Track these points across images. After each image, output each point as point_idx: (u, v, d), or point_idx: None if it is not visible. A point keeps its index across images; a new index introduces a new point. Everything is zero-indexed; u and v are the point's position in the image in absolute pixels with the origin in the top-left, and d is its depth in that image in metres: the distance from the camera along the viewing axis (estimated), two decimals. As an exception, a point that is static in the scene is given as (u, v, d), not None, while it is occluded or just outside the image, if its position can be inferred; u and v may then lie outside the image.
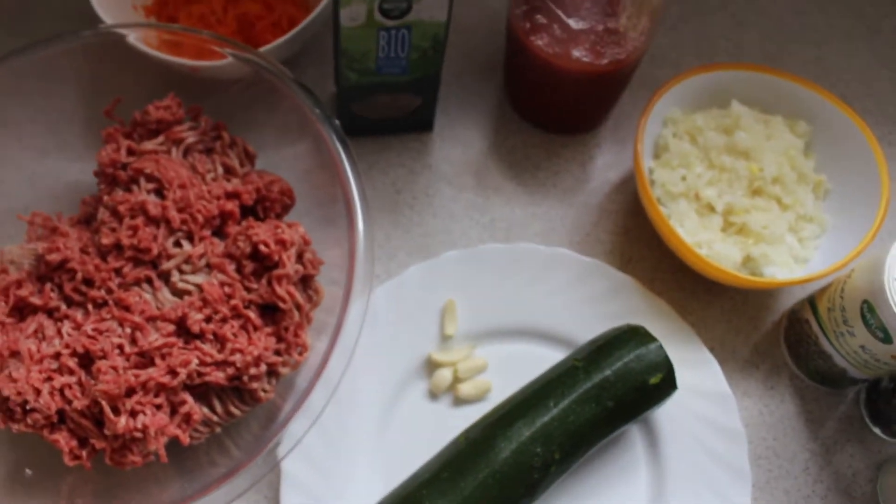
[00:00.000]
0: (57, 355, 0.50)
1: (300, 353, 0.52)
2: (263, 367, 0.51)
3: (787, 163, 0.59)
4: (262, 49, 0.57)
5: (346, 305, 0.50)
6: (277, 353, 0.52)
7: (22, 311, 0.52)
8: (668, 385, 0.53)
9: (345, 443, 0.55)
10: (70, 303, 0.52)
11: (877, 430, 0.59)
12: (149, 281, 0.52)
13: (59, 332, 0.51)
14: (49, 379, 0.49)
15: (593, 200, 0.64)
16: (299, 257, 0.53)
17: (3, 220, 0.56)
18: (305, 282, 0.54)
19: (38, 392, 0.48)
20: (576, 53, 0.57)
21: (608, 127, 0.67)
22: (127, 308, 0.51)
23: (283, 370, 0.52)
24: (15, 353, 0.50)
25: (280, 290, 0.52)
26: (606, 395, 0.52)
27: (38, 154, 0.58)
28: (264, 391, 0.52)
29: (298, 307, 0.52)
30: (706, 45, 0.71)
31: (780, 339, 0.61)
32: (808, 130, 0.62)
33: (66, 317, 0.52)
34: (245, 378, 0.50)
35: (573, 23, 0.56)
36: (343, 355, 0.49)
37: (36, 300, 0.52)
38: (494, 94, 0.67)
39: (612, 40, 0.57)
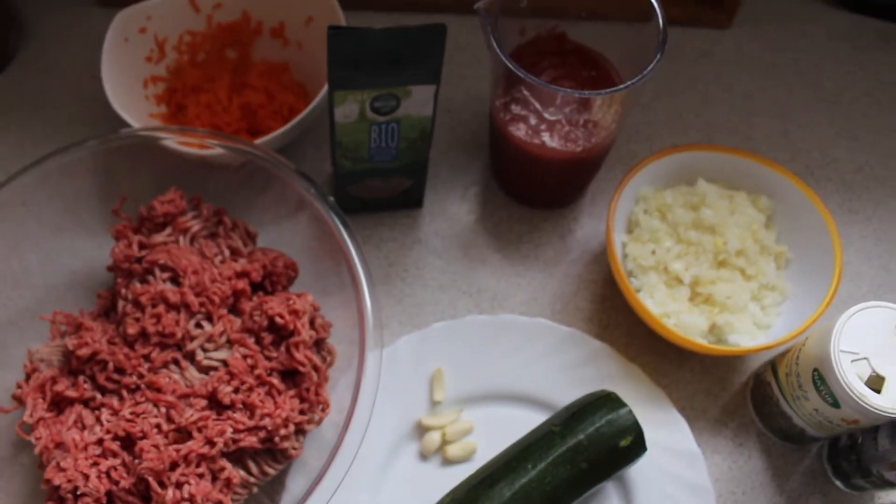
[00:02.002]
0: (100, 441, 0.55)
1: (322, 410, 0.58)
2: (292, 427, 0.56)
3: (750, 236, 0.64)
4: (265, 138, 0.63)
5: (363, 361, 0.56)
6: (302, 412, 0.57)
7: (59, 404, 0.57)
8: (637, 447, 0.58)
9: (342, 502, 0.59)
10: (104, 391, 0.57)
11: (838, 484, 0.63)
12: (176, 362, 0.58)
13: (98, 419, 0.56)
14: (95, 464, 0.54)
15: (573, 271, 0.69)
16: (311, 323, 0.59)
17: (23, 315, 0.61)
18: (319, 344, 0.60)
19: (86, 477, 0.53)
20: (550, 142, 0.62)
21: (587, 201, 0.72)
22: (159, 389, 0.56)
23: (309, 427, 0.58)
24: (59, 445, 0.54)
25: (298, 356, 0.57)
26: (580, 457, 0.56)
27: (55, 231, 0.63)
28: (294, 448, 0.57)
29: (316, 368, 0.58)
30: (677, 122, 0.76)
31: (748, 399, 0.66)
32: (769, 205, 0.67)
33: (103, 405, 0.57)
34: (276, 439, 0.56)
35: (548, 115, 0.61)
36: (365, 407, 0.55)
37: (72, 393, 0.56)
38: (480, 170, 0.72)
39: (585, 129, 0.62)
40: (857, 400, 0.53)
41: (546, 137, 0.62)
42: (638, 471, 0.61)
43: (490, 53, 0.59)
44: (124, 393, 0.57)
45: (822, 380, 0.55)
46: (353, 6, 0.71)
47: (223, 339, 0.58)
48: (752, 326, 0.63)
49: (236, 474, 0.55)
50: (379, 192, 0.67)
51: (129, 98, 0.67)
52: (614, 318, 0.67)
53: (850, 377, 0.53)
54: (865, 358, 0.54)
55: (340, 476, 0.53)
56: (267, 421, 0.55)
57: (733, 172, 0.67)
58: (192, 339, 0.58)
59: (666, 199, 0.66)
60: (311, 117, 0.65)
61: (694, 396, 0.65)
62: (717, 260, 0.64)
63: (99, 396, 0.57)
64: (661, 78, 0.78)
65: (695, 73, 0.78)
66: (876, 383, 0.53)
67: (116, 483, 0.54)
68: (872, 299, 0.58)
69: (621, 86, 0.55)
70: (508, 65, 0.56)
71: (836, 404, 0.55)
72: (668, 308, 0.62)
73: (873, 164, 0.75)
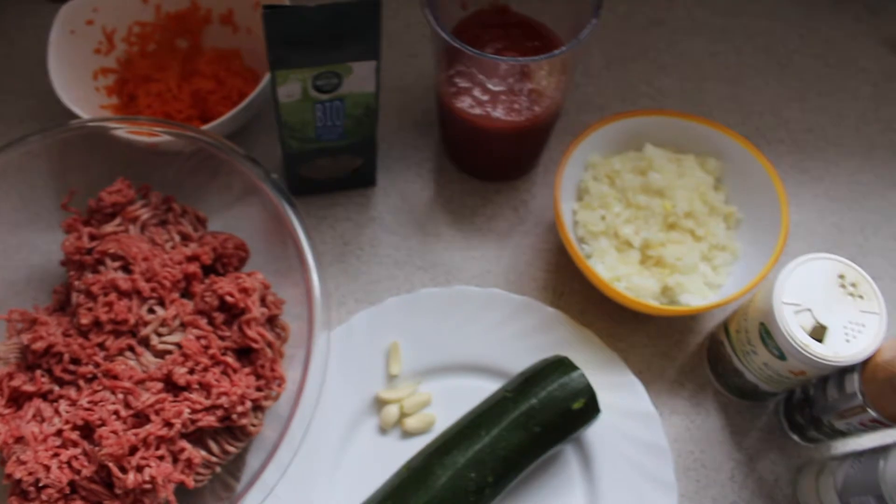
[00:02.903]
0: (59, 432, 0.55)
1: (279, 385, 0.58)
2: (248, 404, 0.56)
3: (698, 198, 0.65)
4: (212, 124, 0.63)
5: (311, 338, 0.57)
6: (259, 389, 0.58)
7: (17, 400, 0.57)
8: (590, 409, 0.59)
9: (302, 480, 0.60)
10: (62, 383, 0.58)
11: (795, 437, 0.64)
12: (131, 349, 0.58)
13: (56, 411, 0.56)
14: (56, 455, 0.54)
15: (527, 241, 0.70)
16: (262, 301, 0.59)
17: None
18: (272, 321, 0.61)
19: (47, 469, 0.53)
20: (495, 113, 0.62)
21: (539, 172, 0.72)
22: (116, 376, 0.56)
23: (267, 403, 0.58)
24: (19, 439, 0.55)
25: (251, 333, 0.58)
26: (533, 421, 0.57)
27: (11, 227, 0.64)
28: (253, 425, 0.57)
29: (270, 345, 0.59)
30: (629, 91, 0.76)
31: (704, 359, 0.67)
32: (718, 167, 0.67)
33: (61, 396, 0.57)
34: (234, 416, 0.56)
35: (491, 86, 0.62)
36: (315, 382, 0.55)
37: (29, 387, 0.57)
38: (433, 147, 0.73)
39: (530, 98, 0.62)
40: (801, 350, 0.53)
41: (490, 109, 0.62)
42: (595, 433, 0.62)
43: (429, 27, 0.59)
44: (81, 383, 0.57)
45: (767, 333, 0.56)
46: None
47: (176, 322, 0.59)
48: (704, 286, 0.63)
49: (197, 454, 0.56)
50: (330, 171, 0.68)
51: (79, 90, 0.67)
52: (569, 285, 0.68)
53: (794, 328, 0.54)
54: (808, 309, 0.54)
55: (293, 450, 0.54)
56: (224, 399, 0.56)
57: (681, 136, 0.68)
58: (146, 324, 0.58)
59: (614, 165, 0.66)
60: (259, 100, 0.65)
61: (651, 359, 0.66)
62: (666, 223, 0.64)
63: (57, 389, 0.58)
64: (611, 47, 0.78)
65: (646, 42, 0.79)
66: (819, 333, 0.54)
67: (78, 472, 0.54)
68: (822, 255, 0.59)
69: (556, 52, 0.56)
70: (444, 36, 0.57)
71: (782, 356, 0.55)
72: (618, 272, 0.63)
73: (824, 124, 0.76)
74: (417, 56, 0.76)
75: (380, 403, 0.63)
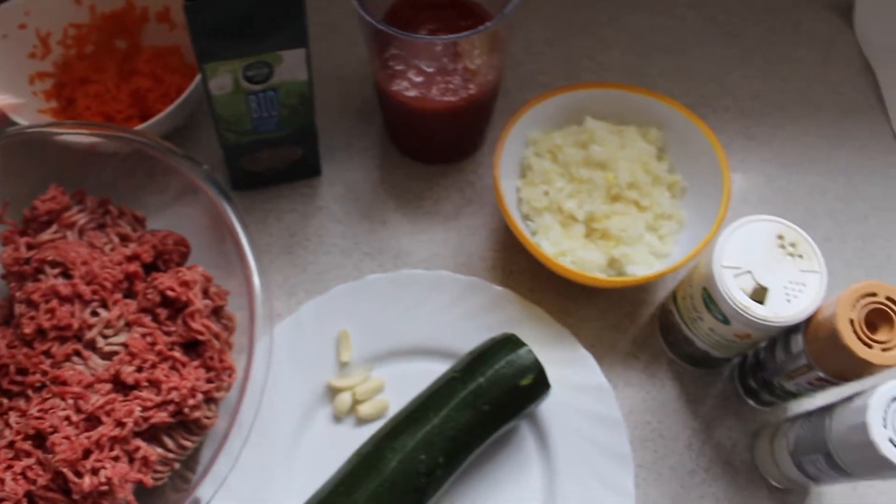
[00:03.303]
0: (11, 444, 0.54)
1: (229, 376, 0.58)
2: (200, 397, 0.56)
3: (641, 168, 0.65)
4: (149, 122, 0.63)
5: (253, 326, 0.57)
6: (209, 380, 0.57)
7: None
8: (539, 385, 0.58)
9: (258, 472, 0.60)
10: (10, 395, 0.57)
11: (750, 402, 0.64)
12: (77, 353, 0.57)
13: (7, 423, 0.56)
14: (9, 467, 0.53)
15: (474, 222, 0.69)
16: (205, 293, 0.59)
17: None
18: (217, 313, 0.60)
19: (1, 482, 0.53)
20: (431, 94, 0.62)
21: (484, 153, 0.72)
22: (64, 382, 0.55)
23: (219, 394, 0.58)
24: None
25: (196, 325, 0.57)
26: (481, 400, 0.57)
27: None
28: (207, 417, 0.57)
29: (217, 336, 0.58)
30: (572, 66, 0.76)
31: (656, 329, 0.67)
32: (659, 136, 0.67)
33: (11, 409, 0.56)
34: (186, 410, 0.56)
35: (424, 67, 0.62)
36: (260, 370, 0.56)
37: None
38: (376, 133, 0.73)
39: (464, 78, 0.62)
40: (742, 313, 0.53)
41: (425, 90, 0.62)
42: (549, 409, 0.61)
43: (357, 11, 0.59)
44: (30, 392, 0.56)
45: (710, 298, 0.56)
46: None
47: (121, 322, 0.58)
48: (650, 256, 0.63)
49: (153, 452, 0.55)
50: (271, 163, 0.67)
51: (15, 96, 0.67)
52: (517, 263, 0.68)
53: (734, 291, 0.54)
54: (748, 271, 0.54)
55: (243, 440, 0.54)
56: (174, 394, 0.55)
57: (622, 108, 0.67)
58: (90, 327, 0.58)
59: (556, 141, 0.66)
60: (197, 96, 0.65)
61: (602, 332, 0.66)
62: (609, 195, 0.64)
63: (6, 401, 0.57)
64: (554, 24, 0.78)
65: (588, 17, 0.79)
66: (760, 295, 0.54)
67: (34, 482, 0.53)
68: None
69: (481, 27, 0.56)
70: (368, 19, 0.57)
71: (725, 321, 0.55)
72: (563, 247, 0.63)
73: (770, 90, 0.76)
74: (358, 44, 0.75)
75: (332, 392, 0.62)
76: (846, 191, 0.72)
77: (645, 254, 0.63)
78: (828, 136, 0.74)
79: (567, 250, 0.63)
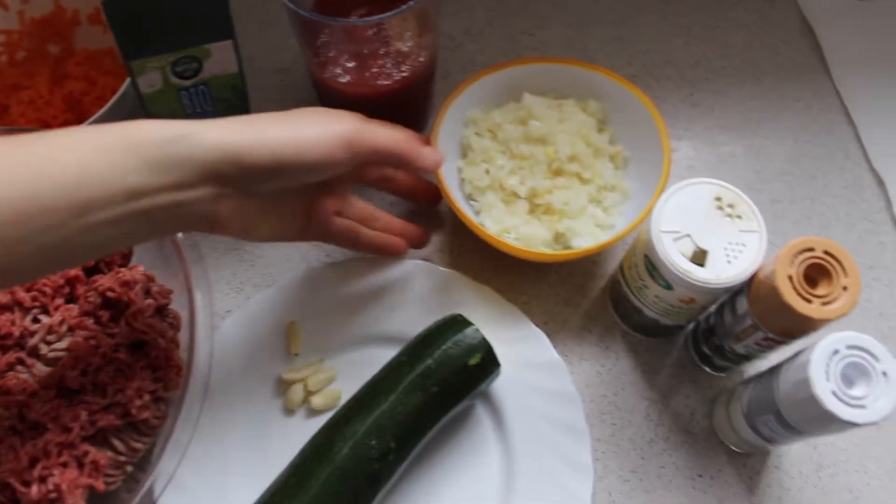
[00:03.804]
0: None
1: (177, 374, 0.58)
2: (147, 397, 0.56)
3: (581, 141, 0.64)
4: (84, 123, 0.62)
5: (194, 322, 0.56)
6: (156, 379, 0.57)
7: None
8: (488, 363, 0.58)
9: (214, 469, 0.59)
10: None
11: (706, 369, 0.64)
12: (21, 362, 0.57)
13: None
14: None
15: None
16: (148, 292, 0.59)
17: None
18: (161, 311, 0.60)
19: None
20: (364, 79, 0.62)
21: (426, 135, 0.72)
22: (8, 391, 0.55)
23: (167, 393, 0.57)
24: None
25: (138, 325, 0.57)
26: (430, 382, 0.56)
27: None
28: (157, 417, 0.57)
29: (162, 334, 0.58)
30: (512, 44, 0.76)
31: (608, 302, 0.66)
32: (599, 108, 0.67)
33: None
34: (133, 411, 0.55)
35: (354, 52, 0.61)
36: (202, 365, 0.56)
37: None
38: (318, 124, 0.72)
39: (397, 61, 0.62)
40: (683, 277, 0.53)
41: (358, 75, 0.62)
42: (503, 388, 0.61)
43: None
44: (-26, 408, 0.56)
45: (652, 265, 0.55)
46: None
47: (64, 327, 0.58)
48: (595, 228, 0.63)
49: (103, 455, 0.55)
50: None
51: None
52: (465, 245, 0.67)
53: (674, 256, 0.53)
54: (687, 235, 0.54)
55: (189, 435, 0.53)
56: (120, 396, 0.55)
57: (561, 82, 0.67)
58: (33, 334, 0.57)
59: (495, 118, 0.66)
60: (130, 96, 0.64)
61: (554, 309, 0.66)
62: (551, 169, 0.64)
63: (-49, 423, 0.57)
64: (493, 3, 0.78)
65: (528, -1, 0.79)
66: (700, 258, 0.54)
67: (-19, 495, 0.53)
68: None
69: (403, 7, 0.55)
70: (292, 7, 0.56)
71: (668, 286, 0.55)
72: (506, 224, 0.62)
73: (710, 56, 0.76)
74: (294, 36, 0.75)
75: (284, 385, 0.62)
76: (793, 151, 0.72)
77: (590, 226, 0.63)
78: (771, 98, 0.74)
79: (511, 227, 0.62)
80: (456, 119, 0.65)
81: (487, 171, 0.64)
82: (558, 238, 0.63)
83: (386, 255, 0.63)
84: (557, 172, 0.64)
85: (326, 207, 0.56)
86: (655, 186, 0.62)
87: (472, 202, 0.65)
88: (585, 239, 0.62)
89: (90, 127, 0.45)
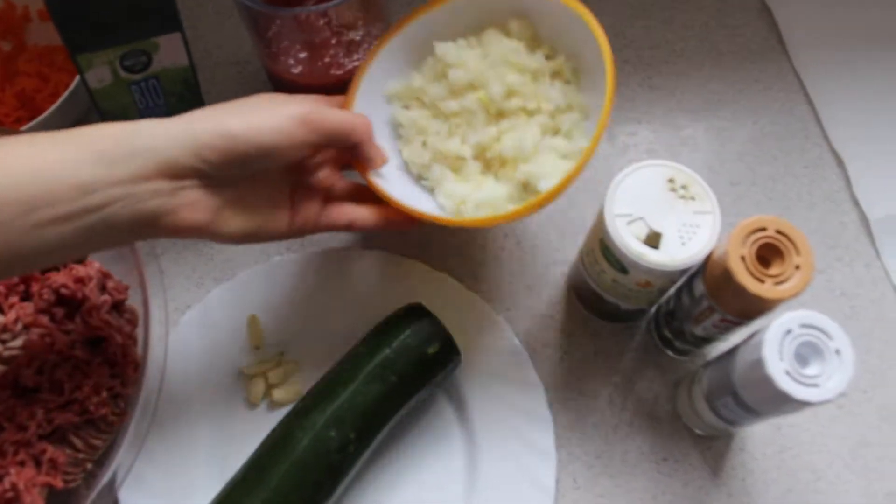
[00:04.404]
0: None
1: (134, 370, 0.57)
2: (104, 393, 0.55)
3: (512, 70, 0.56)
4: (33, 122, 0.62)
5: (148, 316, 0.57)
6: (113, 375, 0.57)
7: None
8: (447, 352, 0.58)
9: (175, 465, 0.59)
10: None
11: (669, 353, 0.64)
12: (-25, 364, 0.57)
13: None
14: None
15: (380, 196, 0.69)
16: (103, 289, 0.58)
17: None
18: (118, 307, 0.59)
19: None
20: (316, 69, 0.61)
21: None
22: None
23: (125, 390, 0.57)
24: None
25: (94, 321, 0.57)
26: (389, 371, 0.56)
27: None
28: (115, 414, 0.56)
29: (118, 330, 0.57)
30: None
31: (569, 288, 0.66)
32: (524, 26, 0.57)
33: None
34: (91, 408, 0.55)
35: (305, 43, 0.61)
36: (156, 360, 0.56)
37: None
38: (276, 116, 0.72)
39: (348, 49, 0.61)
40: (637, 260, 0.53)
41: (310, 66, 0.61)
42: (465, 376, 0.61)
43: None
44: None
45: (607, 249, 0.55)
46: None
47: (19, 326, 0.57)
48: (560, 161, 0.55)
49: (61, 453, 0.54)
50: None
51: None
52: (427, 233, 0.67)
53: (627, 239, 0.53)
54: (641, 217, 0.53)
55: (144, 430, 0.53)
56: (77, 393, 0.55)
57: (474, 14, 0.58)
58: (-13, 333, 0.57)
59: (414, 84, 0.58)
60: (82, 92, 0.64)
61: (516, 296, 0.65)
62: (491, 115, 0.56)
63: None
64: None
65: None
66: (654, 241, 0.53)
67: (-63, 497, 0.53)
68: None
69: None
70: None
71: (623, 270, 0.55)
72: (459, 194, 0.56)
73: (670, 39, 0.75)
74: (251, 27, 0.75)
75: (245, 378, 0.61)
76: (752, 133, 0.72)
77: (553, 161, 0.55)
78: (731, 80, 0.74)
79: (465, 197, 0.56)
80: (374, 100, 0.58)
81: (425, 144, 0.57)
82: (526, 188, 0.56)
83: (393, 228, 0.56)
84: (500, 115, 0.56)
85: (310, 198, 0.54)
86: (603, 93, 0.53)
87: (423, 181, 0.59)
88: (551, 177, 0.54)
89: (52, 132, 0.44)
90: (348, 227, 0.55)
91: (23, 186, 0.41)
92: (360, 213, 0.55)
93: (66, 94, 0.63)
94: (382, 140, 0.57)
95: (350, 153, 0.54)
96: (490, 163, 0.57)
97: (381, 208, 0.55)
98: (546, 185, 0.54)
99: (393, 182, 0.56)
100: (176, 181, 0.44)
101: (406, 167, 0.59)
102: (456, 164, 0.57)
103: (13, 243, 0.41)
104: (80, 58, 0.56)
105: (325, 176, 0.54)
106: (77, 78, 0.63)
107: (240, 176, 0.48)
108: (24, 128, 0.62)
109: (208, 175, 0.45)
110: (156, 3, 0.55)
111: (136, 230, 0.45)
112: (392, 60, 0.58)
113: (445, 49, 0.57)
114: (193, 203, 0.46)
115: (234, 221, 0.49)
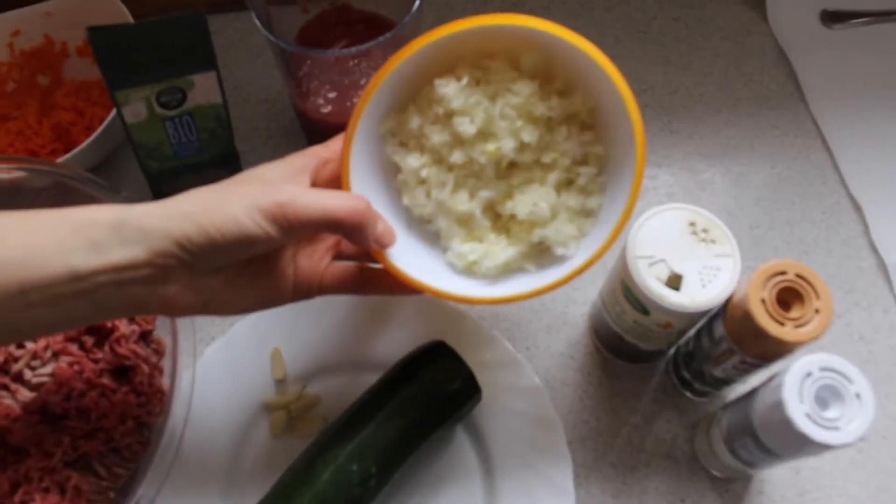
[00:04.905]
0: None
1: (160, 399, 0.58)
2: (130, 423, 0.56)
3: (524, 119, 0.49)
4: (69, 155, 0.63)
5: (177, 348, 0.57)
6: (140, 405, 0.57)
7: None
8: (469, 390, 0.58)
9: (199, 497, 0.59)
10: None
11: (687, 394, 0.64)
12: (5, 387, 0.57)
13: None
14: None
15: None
16: (131, 318, 0.59)
17: None
18: (146, 337, 0.60)
19: None
20: (346, 109, 0.63)
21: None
22: None
23: (150, 419, 0.58)
24: None
25: (122, 351, 0.58)
26: (411, 407, 0.57)
27: None
28: (139, 443, 0.57)
29: (145, 360, 0.58)
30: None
31: (589, 328, 0.67)
32: (536, 59, 0.49)
33: None
34: (117, 437, 0.56)
35: (337, 82, 0.62)
36: (185, 391, 0.56)
37: None
38: (303, 153, 0.73)
39: (378, 90, 0.62)
40: (658, 302, 0.53)
41: (341, 105, 0.63)
42: (484, 413, 0.62)
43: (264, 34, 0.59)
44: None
45: (628, 290, 0.56)
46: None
47: (48, 353, 0.58)
48: (578, 219, 0.51)
49: (85, 481, 0.55)
50: (197, 187, 0.67)
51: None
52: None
53: (649, 280, 0.54)
54: (662, 260, 0.55)
55: (169, 461, 0.54)
56: (104, 421, 0.56)
57: (479, 43, 0.49)
58: (17, 360, 0.58)
59: (412, 124, 0.50)
60: (117, 126, 0.65)
61: (536, 334, 0.66)
62: (501, 167, 0.51)
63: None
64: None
65: (506, 26, 0.79)
66: (675, 282, 0.54)
67: (-38, 520, 0.54)
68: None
69: (380, 38, 0.56)
70: (273, 40, 0.57)
71: (645, 311, 0.56)
72: (470, 255, 0.52)
73: (688, 84, 0.77)
74: (280, 66, 0.77)
75: (268, 410, 0.62)
76: (770, 178, 0.73)
77: (569, 223, 0.51)
78: (749, 125, 0.75)
79: (477, 258, 0.52)
80: (370, 137, 0.50)
81: (428, 194, 0.52)
82: (540, 247, 0.52)
83: (399, 293, 0.52)
84: (512, 165, 0.51)
85: (308, 264, 0.51)
86: (630, 145, 0.47)
87: (428, 226, 0.53)
88: (568, 245, 0.50)
89: (46, 210, 0.45)
90: (357, 292, 0.52)
91: (16, 268, 0.42)
92: (370, 276, 0.52)
93: (101, 128, 0.64)
94: (381, 181, 0.52)
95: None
96: (498, 218, 0.53)
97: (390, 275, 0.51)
98: (562, 252, 0.51)
99: (399, 245, 0.50)
100: (164, 269, 0.44)
101: (405, 214, 0.53)
102: (463, 220, 0.52)
103: (4, 318, 0.43)
104: (118, 94, 0.58)
105: (329, 246, 0.52)
106: (112, 112, 0.65)
107: (227, 262, 0.46)
108: (59, 160, 0.63)
109: (191, 263, 0.45)
110: (193, 44, 0.57)
111: (128, 311, 0.46)
112: (392, 94, 0.50)
113: (447, 90, 0.49)
114: (183, 289, 0.46)
115: (231, 300, 0.48)
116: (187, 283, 0.45)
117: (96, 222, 0.44)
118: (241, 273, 0.48)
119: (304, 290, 0.51)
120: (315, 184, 0.50)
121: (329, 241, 0.53)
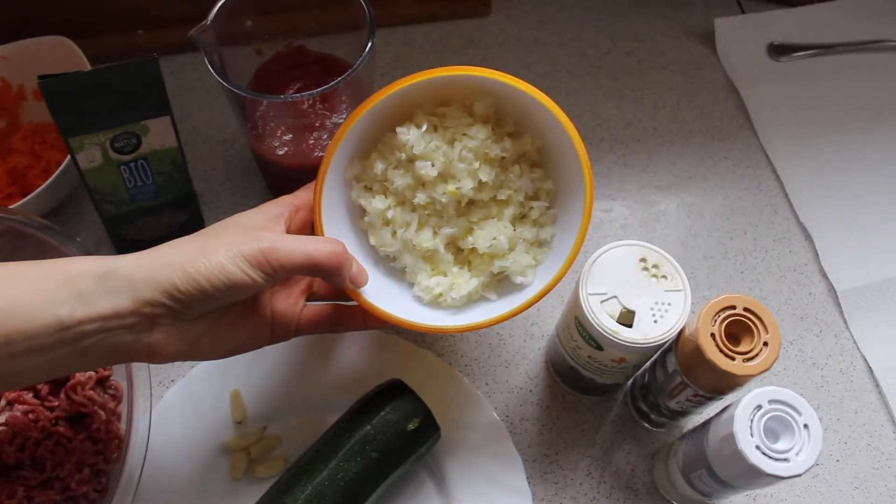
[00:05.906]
0: None
1: (117, 446, 0.58)
2: (87, 471, 0.56)
3: (480, 160, 0.54)
4: (23, 200, 0.63)
5: (133, 394, 0.57)
6: (97, 452, 0.57)
7: None
8: (427, 428, 0.59)
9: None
10: None
11: (645, 425, 0.65)
12: (-46, 440, 0.57)
13: None
14: None
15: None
16: None
17: None
18: (103, 383, 0.60)
19: None
20: (301, 151, 0.63)
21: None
22: None
23: (107, 466, 0.57)
24: None
25: (78, 398, 0.57)
26: (370, 447, 0.57)
27: None
28: (97, 490, 0.56)
29: (102, 406, 0.58)
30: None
31: (547, 362, 0.68)
32: (487, 105, 0.55)
33: None
34: (73, 486, 0.55)
35: (292, 125, 0.63)
36: (141, 437, 0.56)
37: None
38: (261, 192, 0.73)
39: (332, 132, 0.63)
40: (611, 338, 0.54)
41: (296, 147, 0.63)
42: (444, 450, 0.62)
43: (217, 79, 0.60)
44: None
45: (581, 326, 0.57)
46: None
47: (2, 401, 0.58)
48: (532, 250, 0.56)
49: None
50: (154, 230, 0.67)
51: None
52: (407, 308, 0.68)
53: (601, 317, 0.55)
54: (614, 296, 0.56)
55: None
56: (59, 470, 0.55)
57: (436, 91, 0.55)
58: (-34, 409, 0.58)
59: (376, 169, 0.55)
60: (73, 170, 0.65)
61: (495, 370, 0.67)
62: (461, 205, 0.56)
63: None
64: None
65: (461, 62, 0.79)
66: (627, 318, 0.55)
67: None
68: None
69: (333, 82, 0.57)
70: (225, 85, 0.58)
71: (598, 347, 0.57)
72: (434, 288, 0.56)
73: (641, 118, 0.78)
74: (238, 106, 0.77)
75: (228, 451, 0.62)
76: (723, 208, 0.74)
77: (525, 253, 0.56)
78: (701, 157, 0.77)
79: (442, 290, 0.56)
80: (337, 183, 0.55)
81: (394, 234, 0.56)
82: (499, 276, 0.57)
83: (372, 328, 0.57)
84: (471, 203, 0.56)
85: (284, 307, 0.53)
86: (579, 179, 0.53)
87: (393, 263, 0.58)
88: (526, 272, 0.55)
89: (34, 262, 0.45)
90: (332, 330, 0.55)
91: (3, 319, 0.42)
92: (344, 314, 0.55)
93: (57, 172, 0.64)
94: (349, 223, 0.57)
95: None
96: (459, 252, 0.57)
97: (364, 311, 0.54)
98: (520, 280, 0.56)
99: (370, 282, 0.54)
100: (150, 317, 0.45)
101: (370, 252, 0.58)
102: (428, 255, 0.57)
103: None
104: (71, 141, 0.58)
105: (303, 288, 0.55)
106: (68, 157, 0.65)
107: (211, 308, 0.48)
108: (16, 204, 0.63)
109: (178, 311, 0.46)
110: (147, 89, 0.57)
111: (114, 359, 0.46)
112: (355, 143, 0.55)
113: (409, 137, 0.54)
114: (168, 336, 0.46)
115: (214, 344, 0.50)
116: (172, 330, 0.47)
117: (82, 273, 0.44)
118: (222, 318, 0.50)
119: (282, 332, 0.54)
120: (289, 230, 0.53)
121: (303, 283, 0.56)
